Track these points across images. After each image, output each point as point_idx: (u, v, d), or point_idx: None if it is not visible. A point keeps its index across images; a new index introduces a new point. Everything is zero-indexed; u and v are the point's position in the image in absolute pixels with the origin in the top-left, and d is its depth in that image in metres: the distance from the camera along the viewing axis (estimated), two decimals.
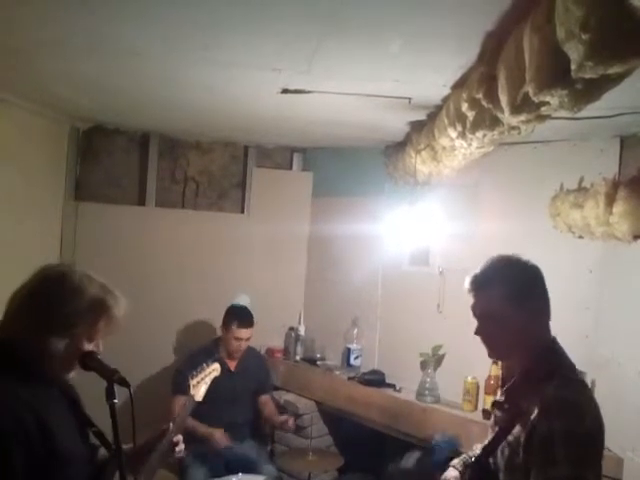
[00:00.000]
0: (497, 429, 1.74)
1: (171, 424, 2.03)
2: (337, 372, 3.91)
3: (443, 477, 1.97)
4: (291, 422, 3.57)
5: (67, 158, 3.94)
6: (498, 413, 1.80)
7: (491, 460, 1.74)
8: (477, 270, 1.78)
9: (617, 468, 2.59)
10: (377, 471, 3.49)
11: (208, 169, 4.32)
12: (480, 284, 1.75)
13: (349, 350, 3.89)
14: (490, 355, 1.82)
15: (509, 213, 3.20)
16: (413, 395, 3.46)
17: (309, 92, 2.49)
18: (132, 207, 4.17)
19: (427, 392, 3.41)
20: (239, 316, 3.67)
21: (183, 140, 4.24)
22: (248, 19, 1.74)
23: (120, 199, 4.16)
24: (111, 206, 4.10)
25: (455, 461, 2.03)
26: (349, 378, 3.80)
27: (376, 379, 3.68)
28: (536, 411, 1.57)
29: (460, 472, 1.94)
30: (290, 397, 4.01)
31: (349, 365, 3.88)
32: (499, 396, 1.87)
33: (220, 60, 2.18)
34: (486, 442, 1.79)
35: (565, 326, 2.90)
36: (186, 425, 3.40)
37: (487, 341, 1.76)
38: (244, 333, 3.64)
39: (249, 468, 3.36)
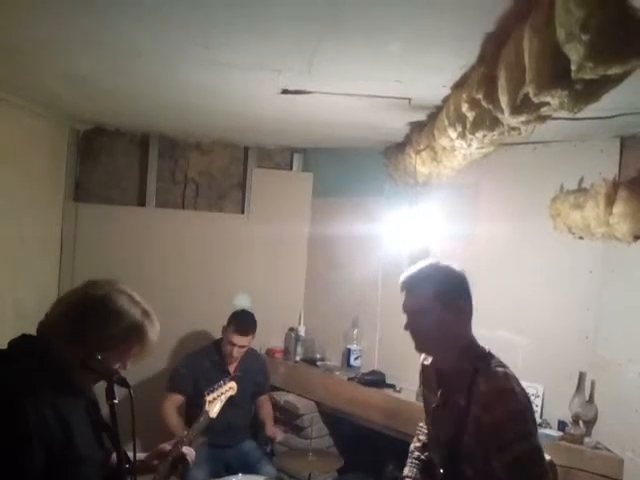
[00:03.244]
0: (447, 431, 1.89)
1: (169, 445, 2.03)
2: (337, 373, 3.91)
3: None
4: (279, 437, 3.57)
5: (67, 159, 3.94)
6: (442, 417, 1.96)
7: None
8: (409, 271, 1.99)
9: (617, 468, 2.59)
10: (377, 472, 3.49)
11: (208, 170, 4.32)
12: (412, 284, 1.95)
13: (349, 351, 3.90)
14: (416, 348, 2.01)
15: (509, 214, 3.20)
16: (413, 396, 3.45)
17: (309, 93, 2.49)
18: (132, 208, 4.17)
19: (421, 399, 3.40)
20: (239, 321, 3.62)
21: (183, 141, 4.24)
22: (248, 20, 1.74)
23: (120, 200, 4.16)
24: (111, 207, 4.11)
25: (406, 470, 2.20)
26: (349, 379, 3.80)
27: (376, 380, 3.68)
28: (477, 408, 1.79)
29: (418, 477, 2.13)
30: (290, 398, 4.01)
31: (349, 366, 3.88)
32: (434, 398, 2.00)
33: (220, 61, 2.18)
34: (443, 444, 1.94)
35: (565, 327, 2.94)
36: (172, 427, 3.44)
37: (415, 335, 1.96)
38: (238, 340, 3.58)
39: (249, 469, 3.36)
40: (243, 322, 3.63)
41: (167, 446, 2.02)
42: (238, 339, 3.58)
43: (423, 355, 2.12)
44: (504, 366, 1.88)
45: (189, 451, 2.05)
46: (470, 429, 1.81)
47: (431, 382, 2.04)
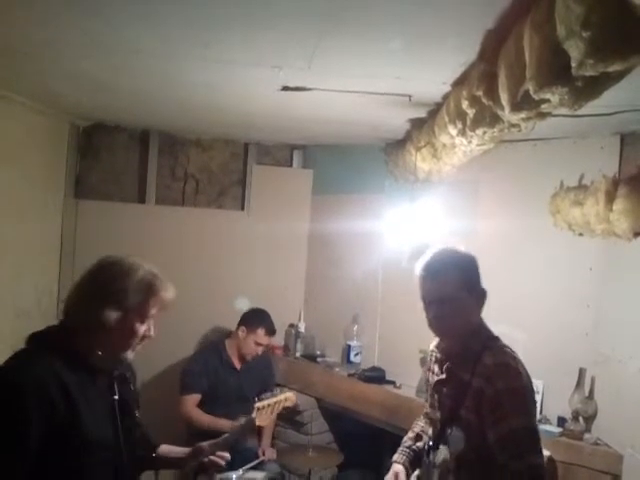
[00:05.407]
0: (447, 405, 1.93)
1: (206, 444, 2.01)
2: (337, 369, 3.92)
3: (391, 473, 2.14)
4: (269, 454, 3.57)
5: (67, 155, 3.94)
6: (444, 391, 1.97)
7: (449, 431, 1.90)
8: (430, 258, 1.95)
9: (617, 464, 2.59)
10: (377, 468, 3.50)
11: (208, 166, 4.32)
12: (438, 271, 1.92)
13: (349, 347, 3.90)
14: (438, 334, 2.01)
15: (509, 211, 3.20)
16: (413, 392, 3.46)
17: (309, 89, 2.49)
18: (132, 204, 4.17)
19: (425, 388, 3.40)
20: (268, 323, 3.71)
21: (183, 137, 4.24)
22: (248, 16, 1.74)
23: (120, 196, 4.16)
24: (111, 203, 4.11)
25: (396, 456, 2.22)
26: (349, 375, 3.81)
27: (376, 376, 3.69)
28: (480, 379, 1.82)
29: (407, 465, 2.15)
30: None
31: (349, 362, 3.89)
32: (439, 375, 2.01)
33: (220, 57, 2.18)
34: (437, 421, 1.97)
35: (565, 323, 2.94)
36: (207, 423, 3.44)
37: (441, 323, 1.93)
38: (267, 340, 3.70)
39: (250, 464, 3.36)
40: (271, 322, 3.72)
41: (205, 445, 1.99)
42: (267, 339, 3.70)
43: (434, 342, 2.12)
44: (512, 350, 1.91)
45: (223, 455, 2.00)
46: (469, 402, 1.83)
47: (439, 363, 2.05)
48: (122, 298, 1.64)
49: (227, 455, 2.00)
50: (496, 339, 1.95)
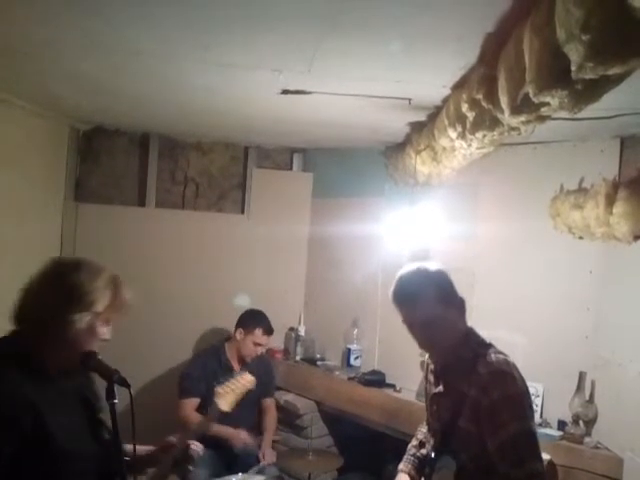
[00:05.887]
0: (445, 417, 1.93)
1: (175, 438, 1.98)
2: (337, 372, 3.91)
3: None
4: (268, 457, 3.55)
5: (67, 159, 3.94)
6: (442, 402, 1.97)
7: (438, 465, 1.90)
8: (400, 286, 1.96)
9: (617, 468, 2.59)
10: (377, 471, 3.49)
11: (208, 170, 4.32)
12: (412, 294, 1.92)
13: (349, 350, 3.89)
14: (431, 356, 2.04)
15: (509, 214, 3.20)
16: (413, 395, 3.45)
17: (309, 93, 2.49)
18: (132, 208, 4.17)
19: (422, 399, 3.40)
20: (265, 322, 3.71)
21: (183, 141, 4.24)
22: (248, 19, 1.74)
23: (120, 200, 4.16)
24: (111, 207, 4.11)
25: (401, 465, 2.21)
26: (349, 378, 3.80)
27: (376, 379, 3.68)
28: (476, 389, 1.82)
29: (412, 473, 2.14)
30: (290, 397, 4.01)
31: (349, 365, 3.88)
32: (436, 388, 2.02)
33: (220, 61, 2.18)
34: (437, 432, 1.98)
35: (565, 326, 2.94)
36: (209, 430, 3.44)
37: (430, 344, 1.96)
38: (265, 340, 3.70)
39: (250, 468, 3.35)
40: (268, 322, 3.72)
41: (173, 439, 1.98)
42: (265, 339, 3.70)
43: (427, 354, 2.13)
44: (505, 354, 1.91)
45: (196, 446, 2.00)
46: (466, 412, 1.84)
47: (434, 374, 2.05)
48: (92, 301, 1.61)
49: (199, 445, 2.00)
50: (487, 345, 1.94)
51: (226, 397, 2.34)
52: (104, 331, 1.66)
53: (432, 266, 1.99)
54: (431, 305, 1.89)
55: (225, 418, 3.44)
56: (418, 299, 1.91)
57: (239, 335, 3.68)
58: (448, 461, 1.87)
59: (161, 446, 1.96)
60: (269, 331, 3.71)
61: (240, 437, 3.45)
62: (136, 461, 1.82)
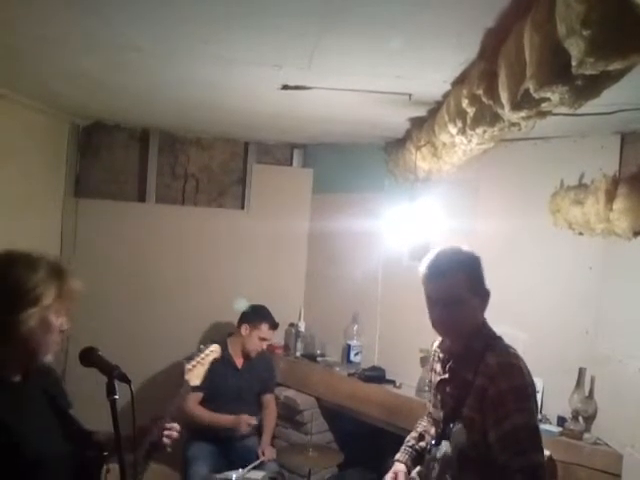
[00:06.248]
0: (449, 403, 1.94)
1: (150, 422, 1.93)
2: (337, 368, 3.92)
3: (391, 472, 2.14)
4: (268, 453, 3.55)
5: (67, 154, 3.94)
6: (447, 390, 1.98)
7: (451, 425, 1.91)
8: (435, 258, 1.95)
9: (616, 464, 2.59)
10: (377, 467, 3.50)
11: (208, 165, 4.31)
12: (444, 270, 1.91)
13: (349, 346, 3.90)
14: (443, 335, 2.02)
15: (509, 210, 3.20)
16: (413, 391, 3.46)
17: (309, 88, 2.49)
18: (132, 203, 4.17)
19: (427, 388, 3.40)
20: (270, 317, 3.76)
21: (183, 136, 4.24)
22: (248, 15, 1.74)
23: (120, 195, 4.16)
24: (111, 202, 4.11)
25: (398, 455, 2.21)
26: (349, 374, 3.80)
27: (376, 375, 3.68)
28: (483, 378, 1.83)
29: (409, 464, 2.15)
30: (290, 393, 4.01)
31: (349, 361, 3.88)
32: (442, 375, 2.02)
33: (220, 56, 2.18)
34: (440, 420, 1.98)
35: (565, 322, 2.94)
36: (208, 419, 3.47)
37: (447, 326, 1.94)
38: (272, 334, 3.76)
39: (251, 464, 3.36)
40: (272, 317, 3.77)
41: (149, 424, 1.90)
42: (271, 334, 3.76)
43: (436, 342, 2.12)
44: (513, 348, 1.93)
45: (172, 426, 1.94)
46: (471, 400, 1.84)
47: (441, 363, 2.05)
48: (37, 296, 1.52)
49: (176, 425, 1.96)
50: (498, 338, 1.96)
51: (194, 371, 2.28)
52: (60, 322, 1.59)
53: (470, 251, 1.98)
54: (460, 286, 1.89)
55: (227, 412, 3.51)
56: (449, 277, 1.90)
57: (245, 331, 3.69)
58: (460, 428, 1.87)
59: (138, 431, 1.87)
60: (274, 326, 3.76)
61: (242, 421, 3.50)
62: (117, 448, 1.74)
